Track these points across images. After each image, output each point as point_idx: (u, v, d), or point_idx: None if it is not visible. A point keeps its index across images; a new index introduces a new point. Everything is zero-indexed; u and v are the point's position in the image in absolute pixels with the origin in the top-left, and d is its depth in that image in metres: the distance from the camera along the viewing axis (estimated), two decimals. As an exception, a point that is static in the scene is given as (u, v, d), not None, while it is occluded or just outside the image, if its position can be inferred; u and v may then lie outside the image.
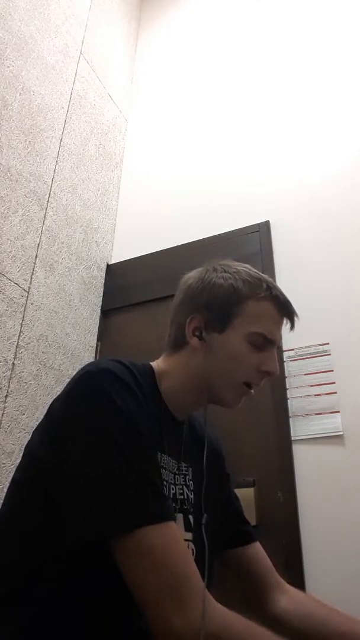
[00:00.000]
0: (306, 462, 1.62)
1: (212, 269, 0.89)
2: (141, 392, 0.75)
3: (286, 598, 0.88)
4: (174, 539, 0.63)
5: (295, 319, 0.87)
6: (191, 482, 0.85)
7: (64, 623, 0.64)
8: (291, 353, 1.79)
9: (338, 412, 1.64)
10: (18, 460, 0.80)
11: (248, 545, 0.92)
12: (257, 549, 0.93)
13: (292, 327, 0.88)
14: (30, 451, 0.76)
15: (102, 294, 2.31)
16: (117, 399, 0.69)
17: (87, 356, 2.09)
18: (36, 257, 1.94)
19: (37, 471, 0.72)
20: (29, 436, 0.79)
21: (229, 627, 0.59)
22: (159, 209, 2.43)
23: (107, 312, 2.28)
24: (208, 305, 0.84)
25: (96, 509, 0.63)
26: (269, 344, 0.84)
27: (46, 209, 2.06)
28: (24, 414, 1.69)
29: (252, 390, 0.85)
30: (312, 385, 1.71)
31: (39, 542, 0.68)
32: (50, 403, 0.78)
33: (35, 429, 0.77)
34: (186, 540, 0.77)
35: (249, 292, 0.84)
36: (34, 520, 0.70)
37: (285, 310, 0.86)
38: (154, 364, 0.88)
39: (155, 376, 0.85)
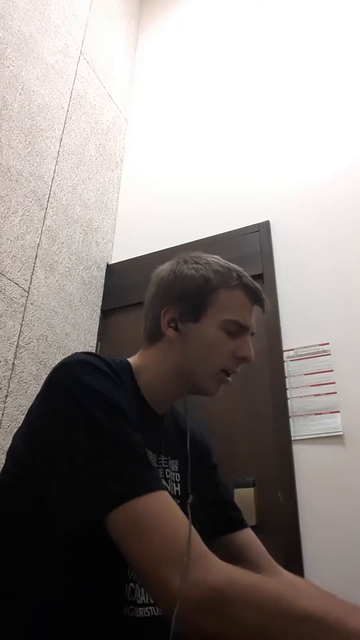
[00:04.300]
0: (306, 462, 1.62)
1: (182, 261, 0.91)
2: (120, 383, 0.76)
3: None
4: (166, 506, 0.63)
5: (266, 304, 0.91)
6: (176, 474, 0.85)
7: (56, 618, 0.65)
8: (291, 353, 1.79)
9: (338, 412, 1.64)
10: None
11: (238, 531, 0.92)
12: (248, 535, 0.93)
13: (264, 311, 0.91)
14: (13, 453, 0.76)
15: (102, 294, 2.31)
16: (91, 381, 0.70)
17: (87, 356, 2.08)
18: (36, 257, 1.94)
19: (20, 471, 0.73)
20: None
21: (234, 582, 0.58)
22: (159, 209, 2.42)
23: (107, 312, 2.28)
24: (181, 296, 0.87)
25: (86, 490, 0.63)
26: (242, 330, 0.86)
27: (46, 209, 2.06)
28: (24, 414, 1.67)
29: (230, 378, 0.87)
30: (312, 385, 1.71)
31: (26, 542, 0.69)
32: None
33: (16, 432, 0.78)
34: None
35: (221, 282, 0.86)
36: (20, 521, 0.70)
37: (255, 297, 0.89)
38: (130, 359, 0.89)
39: (132, 371, 0.85)
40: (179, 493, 0.84)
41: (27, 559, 0.68)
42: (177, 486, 0.84)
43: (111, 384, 0.73)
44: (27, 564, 0.68)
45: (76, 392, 0.69)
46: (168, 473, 0.84)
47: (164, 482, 0.81)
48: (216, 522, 0.91)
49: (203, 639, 0.57)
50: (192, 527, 0.62)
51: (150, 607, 0.72)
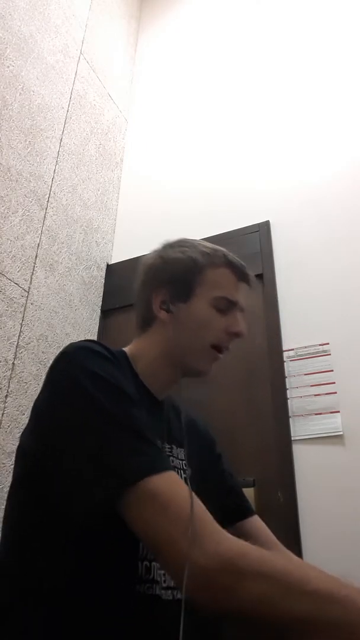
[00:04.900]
0: (306, 462, 1.62)
1: (168, 246, 0.94)
2: (120, 369, 0.77)
3: None
4: (177, 483, 0.65)
5: (251, 280, 0.94)
6: (183, 462, 0.86)
7: (71, 604, 0.65)
8: (291, 353, 1.79)
9: (338, 412, 1.64)
10: (18, 460, 0.79)
11: (247, 519, 0.92)
12: (256, 522, 0.93)
13: (250, 286, 0.94)
14: (21, 451, 0.77)
15: (102, 294, 2.31)
16: (94, 366, 0.71)
17: (87, 356, 2.08)
18: (36, 257, 1.94)
19: (29, 469, 0.73)
20: (29, 436, 0.78)
21: (245, 554, 0.59)
22: (159, 209, 2.42)
23: (107, 312, 2.28)
24: (170, 278, 0.89)
25: (97, 474, 0.64)
26: (232, 306, 0.88)
27: (46, 209, 2.06)
28: (24, 414, 1.69)
29: (222, 355, 0.88)
30: (312, 385, 1.71)
31: (39, 538, 0.69)
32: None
33: (23, 432, 0.78)
34: None
35: (207, 261, 0.90)
36: (32, 518, 0.71)
37: (241, 273, 0.92)
38: (125, 349, 0.90)
39: (129, 359, 0.86)
40: (188, 480, 0.84)
41: (36, 559, 0.68)
42: (184, 474, 0.85)
43: (114, 369, 0.74)
44: (37, 564, 0.68)
45: (81, 378, 0.70)
46: (173, 461, 0.84)
47: None
48: (224, 510, 0.90)
49: (215, 608, 0.58)
50: (199, 501, 0.63)
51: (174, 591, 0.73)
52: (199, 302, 0.87)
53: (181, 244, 0.93)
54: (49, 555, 0.67)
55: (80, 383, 0.70)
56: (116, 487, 0.63)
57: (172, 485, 0.64)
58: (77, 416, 0.68)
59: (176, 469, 0.83)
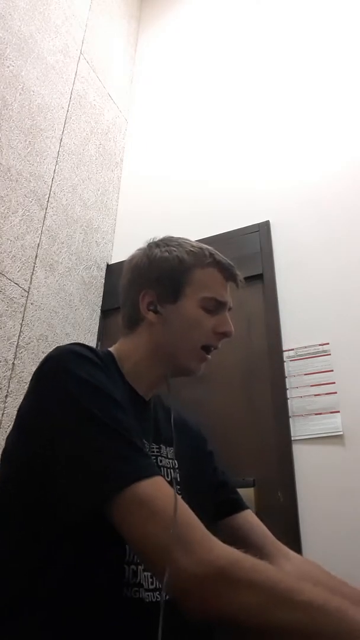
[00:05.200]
0: (306, 462, 1.62)
1: (154, 245, 0.92)
2: (107, 371, 0.77)
3: (290, 565, 0.86)
4: (167, 489, 0.64)
5: (239, 280, 0.92)
6: (173, 460, 0.86)
7: (59, 610, 0.65)
8: (291, 353, 1.79)
9: (338, 412, 1.64)
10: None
11: (237, 513, 0.91)
12: (249, 517, 0.92)
13: (237, 286, 0.92)
14: (7, 456, 0.76)
15: (102, 294, 2.32)
16: (80, 372, 0.71)
17: (87, 356, 2.08)
18: (36, 257, 1.94)
19: (16, 474, 0.72)
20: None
21: (236, 562, 0.59)
22: (159, 209, 2.42)
23: (107, 312, 2.28)
24: (157, 278, 0.88)
25: (86, 480, 0.64)
26: (220, 306, 0.88)
27: (46, 209, 2.06)
28: (24, 414, 1.69)
29: (209, 356, 0.88)
30: (312, 385, 1.71)
31: (27, 542, 0.69)
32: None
33: (8, 435, 0.78)
34: None
35: (195, 261, 0.88)
36: (19, 522, 0.70)
37: (229, 273, 0.90)
38: (111, 349, 0.89)
39: (115, 360, 0.86)
40: (178, 479, 0.84)
41: (28, 564, 0.68)
42: (174, 472, 0.84)
43: (100, 373, 0.73)
44: (24, 559, 0.68)
45: (67, 383, 0.70)
46: (161, 460, 0.84)
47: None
48: (216, 505, 0.91)
49: (205, 616, 0.58)
50: (187, 507, 0.63)
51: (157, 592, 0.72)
52: (188, 303, 0.86)
53: (167, 242, 0.92)
54: (36, 560, 0.67)
55: (67, 388, 0.69)
56: (105, 492, 0.63)
57: (161, 490, 0.63)
58: (63, 422, 0.68)
59: (165, 468, 0.83)
